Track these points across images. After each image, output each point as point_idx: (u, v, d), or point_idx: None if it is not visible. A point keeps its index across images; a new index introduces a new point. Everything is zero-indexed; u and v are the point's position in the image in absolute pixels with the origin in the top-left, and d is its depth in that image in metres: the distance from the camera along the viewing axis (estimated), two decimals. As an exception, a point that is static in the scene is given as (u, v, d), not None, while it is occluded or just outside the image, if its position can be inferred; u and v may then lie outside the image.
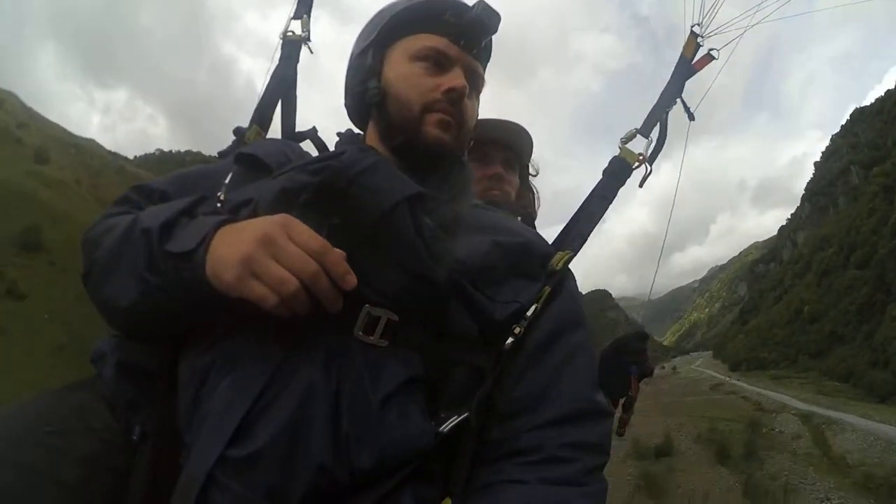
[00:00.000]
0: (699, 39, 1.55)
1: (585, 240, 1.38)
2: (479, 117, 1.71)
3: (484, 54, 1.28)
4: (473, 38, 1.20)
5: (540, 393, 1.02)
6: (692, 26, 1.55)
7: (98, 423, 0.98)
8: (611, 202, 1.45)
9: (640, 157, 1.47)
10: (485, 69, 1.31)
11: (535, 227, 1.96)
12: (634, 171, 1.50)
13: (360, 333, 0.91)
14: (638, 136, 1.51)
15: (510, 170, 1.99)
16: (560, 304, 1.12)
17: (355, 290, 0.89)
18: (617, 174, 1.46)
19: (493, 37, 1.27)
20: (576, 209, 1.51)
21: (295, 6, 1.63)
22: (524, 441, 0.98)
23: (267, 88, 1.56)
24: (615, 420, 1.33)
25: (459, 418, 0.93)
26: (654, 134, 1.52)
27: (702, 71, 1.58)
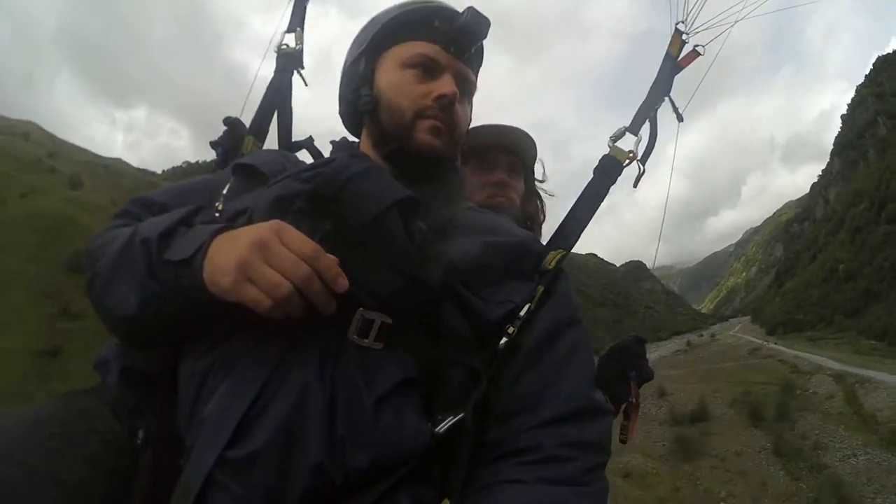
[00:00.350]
0: (684, 36, 1.55)
1: (578, 238, 1.37)
2: (486, 123, 1.93)
3: (475, 59, 1.30)
4: (463, 44, 1.22)
5: (538, 392, 1.03)
6: (676, 24, 1.55)
7: (101, 427, 1.00)
8: (602, 200, 1.43)
9: (631, 155, 1.45)
10: (477, 74, 1.34)
11: (541, 233, 2.00)
12: (625, 169, 1.48)
13: (355, 336, 0.93)
14: (627, 133, 1.49)
15: (514, 175, 1.97)
16: (555, 304, 1.13)
17: (349, 294, 0.92)
18: (608, 173, 1.45)
19: (489, 35, 1.26)
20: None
21: (288, 20, 1.68)
22: (522, 441, 0.99)
23: (263, 100, 1.59)
24: (617, 427, 1.35)
25: (455, 419, 0.95)
26: (645, 132, 1.51)
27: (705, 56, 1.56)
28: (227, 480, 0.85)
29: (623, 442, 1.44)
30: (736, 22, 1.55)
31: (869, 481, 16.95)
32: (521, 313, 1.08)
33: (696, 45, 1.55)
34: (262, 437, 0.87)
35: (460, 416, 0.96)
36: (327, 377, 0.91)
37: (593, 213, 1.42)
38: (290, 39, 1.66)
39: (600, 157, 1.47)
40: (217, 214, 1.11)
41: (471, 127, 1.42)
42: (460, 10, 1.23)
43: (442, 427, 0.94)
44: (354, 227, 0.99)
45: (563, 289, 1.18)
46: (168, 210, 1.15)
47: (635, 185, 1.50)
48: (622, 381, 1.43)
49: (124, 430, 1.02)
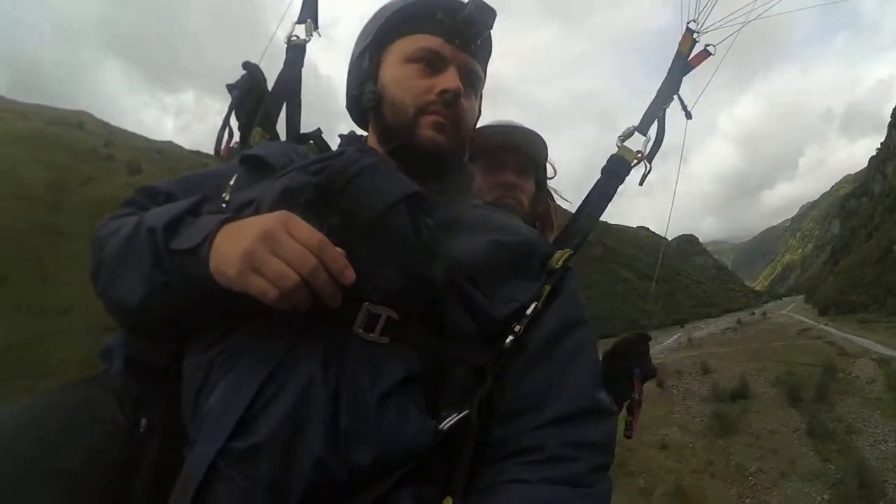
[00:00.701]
0: (695, 35, 1.53)
1: (585, 238, 1.34)
2: (494, 122, 1.92)
3: (482, 51, 1.26)
4: (468, 36, 1.19)
5: (542, 392, 1.01)
6: (688, 23, 1.53)
7: (105, 416, 1.01)
8: (610, 200, 1.42)
9: (639, 155, 1.43)
10: (486, 65, 1.31)
11: (552, 233, 1.93)
12: (634, 169, 1.47)
13: (360, 330, 0.93)
14: (636, 133, 1.46)
15: (523, 176, 1.92)
16: (561, 304, 1.10)
17: (356, 288, 0.91)
18: (616, 172, 1.42)
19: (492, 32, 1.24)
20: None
21: (299, 11, 1.65)
22: (526, 440, 0.97)
23: (272, 92, 1.57)
24: (622, 423, 1.32)
25: (459, 416, 0.94)
26: (653, 132, 1.47)
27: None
28: (231, 471, 0.85)
29: (628, 437, 1.44)
30: (747, 23, 1.52)
31: (895, 468, 17.07)
32: (528, 312, 1.06)
33: (707, 45, 1.54)
34: (265, 430, 0.87)
35: (464, 413, 0.95)
36: (332, 371, 0.92)
37: (602, 213, 1.42)
38: (300, 31, 1.65)
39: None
40: (224, 205, 1.11)
41: (481, 125, 1.42)
42: (465, 0, 1.20)
43: (446, 424, 0.94)
44: (361, 222, 0.99)
45: (570, 288, 1.15)
46: (174, 200, 1.15)
47: (641, 184, 1.48)
48: (626, 378, 1.43)
49: (128, 420, 1.04)
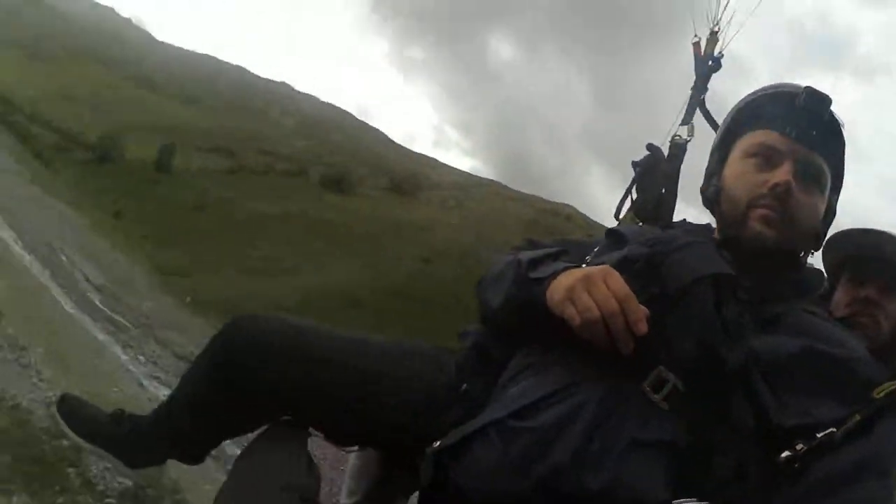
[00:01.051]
0: None
1: None
2: (873, 227, 1.73)
3: (825, 142, 1.19)
4: (803, 128, 1.17)
5: None
6: None
7: (447, 370, 1.33)
8: None
9: None
10: (839, 158, 1.25)
11: None
12: None
13: (648, 388, 0.99)
14: None
15: (887, 293, 1.63)
16: (868, 442, 0.93)
17: (652, 351, 1.00)
18: None
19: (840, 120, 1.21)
20: None
21: (682, 115, 1.82)
22: None
23: (652, 183, 1.73)
24: None
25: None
26: None
27: None
28: (496, 438, 1.00)
29: None
30: None
31: None
32: (820, 434, 0.92)
33: None
34: (538, 421, 0.99)
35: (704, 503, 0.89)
36: (607, 404, 0.98)
37: None
38: (683, 132, 1.80)
39: None
40: (584, 265, 1.20)
41: (845, 230, 1.46)
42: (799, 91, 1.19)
43: (679, 503, 0.89)
44: (670, 292, 1.08)
45: (887, 429, 0.95)
46: None
47: None
48: None
49: (457, 381, 1.30)
